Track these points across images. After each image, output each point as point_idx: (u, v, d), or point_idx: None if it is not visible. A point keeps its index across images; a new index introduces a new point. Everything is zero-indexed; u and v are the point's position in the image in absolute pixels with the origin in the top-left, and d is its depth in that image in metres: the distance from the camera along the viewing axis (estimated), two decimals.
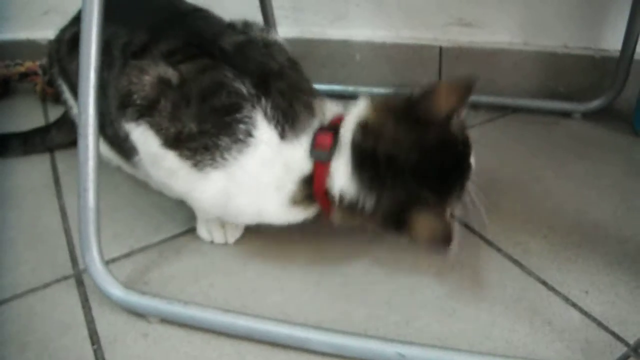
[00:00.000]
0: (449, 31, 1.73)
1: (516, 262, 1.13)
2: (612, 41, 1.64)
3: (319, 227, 1.19)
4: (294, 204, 1.03)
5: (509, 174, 1.40)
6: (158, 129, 1.00)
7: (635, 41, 1.54)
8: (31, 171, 1.45)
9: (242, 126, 0.98)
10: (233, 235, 1.20)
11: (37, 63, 1.82)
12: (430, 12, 1.72)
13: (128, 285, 1.06)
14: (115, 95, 1.05)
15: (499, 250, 1.16)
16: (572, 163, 1.45)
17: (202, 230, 1.21)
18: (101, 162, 1.05)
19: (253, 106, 0.99)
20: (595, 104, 1.64)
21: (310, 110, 1.04)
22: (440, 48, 1.73)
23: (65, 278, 1.13)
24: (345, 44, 1.77)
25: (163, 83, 1.01)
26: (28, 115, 1.70)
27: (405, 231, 0.97)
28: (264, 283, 1.09)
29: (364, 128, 0.99)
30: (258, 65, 1.06)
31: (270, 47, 1.13)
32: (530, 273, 1.10)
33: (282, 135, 0.99)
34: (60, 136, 1.52)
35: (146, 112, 1.01)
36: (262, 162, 0.99)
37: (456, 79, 0.99)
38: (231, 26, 1.17)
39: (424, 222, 0.95)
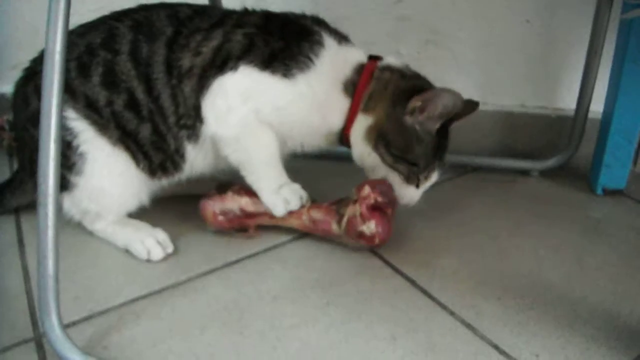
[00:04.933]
0: None
1: (469, 326, 1.15)
2: (568, 100, 1.69)
3: (276, 291, 1.21)
4: (343, 91, 1.31)
5: (465, 233, 1.43)
6: (255, 59, 1.25)
7: (589, 100, 1.59)
8: None
9: (316, 36, 1.29)
10: (296, 203, 1.35)
11: (5, 118, 1.82)
12: None
13: (87, 349, 1.07)
14: (197, 61, 1.27)
15: (452, 313, 1.18)
16: (529, 222, 1.48)
17: (275, 200, 1.33)
18: (62, 222, 1.07)
19: (317, 26, 1.32)
20: (552, 162, 1.68)
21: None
22: None
23: (25, 341, 1.12)
24: None
25: (249, 35, 1.27)
26: None
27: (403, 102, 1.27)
28: (221, 348, 1.10)
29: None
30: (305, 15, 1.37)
31: None
32: (482, 337, 1.12)
33: (339, 42, 1.32)
34: (15, 200, 1.49)
35: (243, 56, 1.25)
36: (332, 54, 1.29)
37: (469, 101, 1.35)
38: None
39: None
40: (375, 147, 1.29)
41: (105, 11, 1.34)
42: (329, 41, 1.29)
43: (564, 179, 1.67)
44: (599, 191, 1.60)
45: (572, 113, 1.63)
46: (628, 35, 1.42)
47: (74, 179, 1.30)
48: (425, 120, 1.26)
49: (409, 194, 1.32)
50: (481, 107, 1.70)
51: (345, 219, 1.28)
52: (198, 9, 1.34)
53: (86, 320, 1.17)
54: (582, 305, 1.20)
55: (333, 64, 1.29)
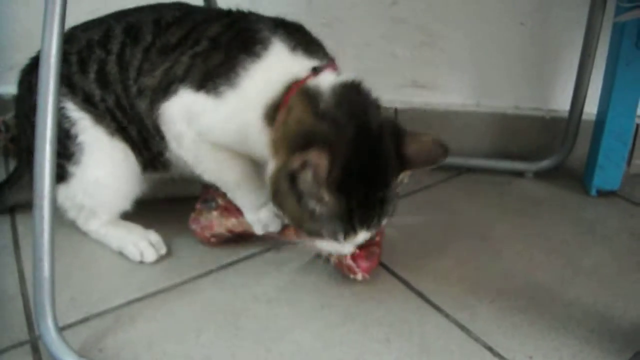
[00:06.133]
0: (403, 92, 1.77)
1: (463, 328, 1.15)
2: (561, 102, 1.69)
3: (271, 294, 1.22)
4: (264, 116, 1.12)
5: (460, 235, 1.43)
6: (192, 79, 1.18)
7: (582, 101, 1.59)
8: None
9: (259, 45, 1.15)
10: (275, 226, 1.29)
11: (1, 119, 1.82)
12: (385, 74, 1.75)
13: (83, 352, 1.07)
14: (149, 83, 1.24)
15: (446, 315, 1.18)
16: (523, 224, 1.48)
17: (255, 222, 1.30)
18: (58, 223, 1.07)
19: (270, 31, 1.18)
20: (546, 163, 1.68)
21: (324, 53, 1.22)
22: (395, 109, 1.77)
23: (21, 344, 1.12)
24: None
25: (195, 55, 1.20)
26: None
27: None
28: (216, 350, 1.10)
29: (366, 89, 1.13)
30: (282, 22, 1.24)
31: None
32: (476, 339, 1.12)
33: (293, 50, 1.16)
34: (15, 197, 1.49)
35: (184, 78, 1.19)
36: (269, 66, 1.14)
37: (438, 144, 1.09)
38: None
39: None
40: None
41: (100, 13, 1.34)
42: (276, 49, 1.16)
43: (558, 180, 1.67)
44: (593, 192, 1.61)
45: (566, 115, 1.64)
46: (621, 37, 1.43)
47: (71, 168, 1.29)
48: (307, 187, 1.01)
49: (331, 248, 1.14)
50: (475, 109, 1.72)
51: (332, 257, 1.26)
52: (181, 16, 1.29)
53: (82, 322, 1.17)
54: (575, 306, 1.21)
55: (262, 80, 1.13)
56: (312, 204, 1.03)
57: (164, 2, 1.35)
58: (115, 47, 1.27)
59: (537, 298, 1.23)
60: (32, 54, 1.33)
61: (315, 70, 1.13)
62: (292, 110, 1.08)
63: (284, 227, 1.30)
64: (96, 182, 1.32)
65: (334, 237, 1.08)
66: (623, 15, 1.36)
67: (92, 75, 1.28)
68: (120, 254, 1.35)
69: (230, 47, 1.18)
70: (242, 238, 1.36)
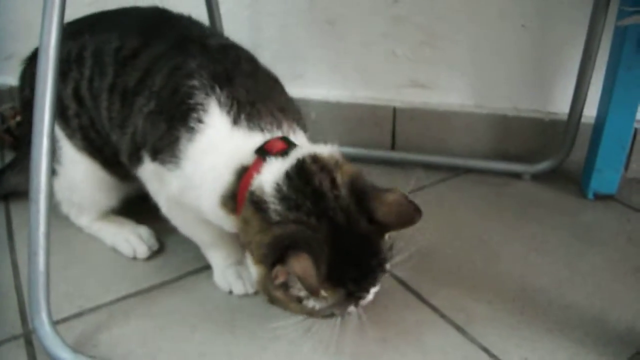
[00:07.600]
0: (403, 92, 1.77)
1: (459, 329, 1.15)
2: (561, 104, 1.69)
3: None
4: (222, 205, 1.04)
5: (457, 236, 1.42)
6: (147, 150, 1.11)
7: (582, 104, 1.58)
8: None
9: (194, 114, 1.04)
10: (253, 285, 1.21)
11: None
12: (385, 73, 1.75)
13: (77, 347, 1.07)
14: (128, 148, 1.18)
15: (443, 316, 1.18)
16: (520, 226, 1.48)
17: (221, 280, 1.25)
18: (53, 217, 1.07)
19: (207, 94, 1.05)
20: (544, 165, 1.68)
21: (274, 118, 1.07)
22: (394, 108, 1.77)
23: (15, 338, 1.12)
24: (301, 103, 1.79)
25: (146, 118, 1.11)
26: None
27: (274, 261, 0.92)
28: (212, 348, 1.10)
29: (317, 163, 1.00)
30: (232, 62, 1.13)
31: (255, 61, 1.20)
32: (473, 340, 1.12)
33: (235, 122, 1.04)
34: (16, 178, 1.48)
35: (144, 144, 1.12)
36: (208, 147, 1.04)
37: (409, 204, 0.98)
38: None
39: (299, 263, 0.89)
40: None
41: (99, 5, 1.32)
42: (214, 121, 1.04)
43: (555, 182, 1.67)
44: (590, 196, 1.60)
45: (565, 117, 1.63)
46: (622, 41, 1.42)
47: (55, 165, 1.29)
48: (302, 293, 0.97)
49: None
50: (475, 110, 1.72)
51: None
52: (138, 48, 1.19)
53: (76, 317, 1.17)
54: (571, 310, 1.20)
55: (203, 166, 1.05)
56: (313, 303, 0.97)
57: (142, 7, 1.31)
58: (86, 71, 1.23)
59: (534, 300, 1.23)
60: (30, 44, 1.32)
61: (260, 154, 1.02)
62: (250, 223, 0.99)
63: None
64: (75, 184, 1.33)
65: (346, 311, 1.02)
66: (625, 20, 1.35)
67: (69, 90, 1.25)
68: (114, 249, 1.35)
69: (169, 113, 1.08)
70: None
